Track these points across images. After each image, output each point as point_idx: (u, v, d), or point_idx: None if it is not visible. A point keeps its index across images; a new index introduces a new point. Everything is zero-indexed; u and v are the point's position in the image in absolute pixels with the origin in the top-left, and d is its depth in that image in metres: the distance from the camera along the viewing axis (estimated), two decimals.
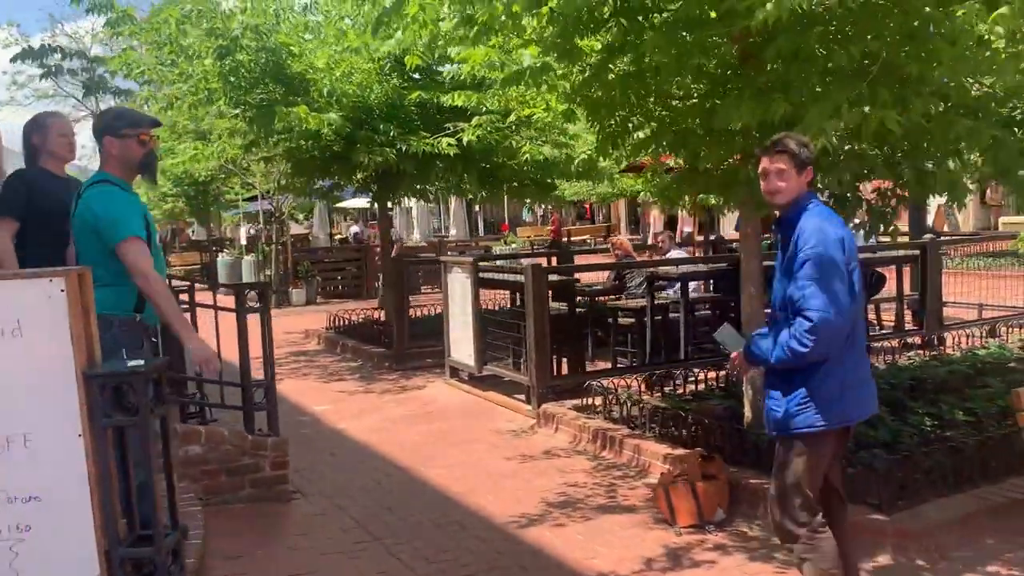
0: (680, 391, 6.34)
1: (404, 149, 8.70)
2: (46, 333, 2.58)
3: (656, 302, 7.56)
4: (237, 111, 8.23)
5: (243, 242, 18.63)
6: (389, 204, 11.14)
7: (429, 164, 9.31)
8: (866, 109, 3.63)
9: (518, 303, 7.52)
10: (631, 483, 5.00)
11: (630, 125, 5.26)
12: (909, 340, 8.34)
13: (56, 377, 2.59)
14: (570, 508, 4.62)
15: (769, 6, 3.32)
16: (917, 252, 8.31)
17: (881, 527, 3.84)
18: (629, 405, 5.97)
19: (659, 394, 6.36)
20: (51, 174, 3.94)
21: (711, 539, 4.11)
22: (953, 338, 8.18)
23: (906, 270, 8.63)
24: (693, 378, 6.45)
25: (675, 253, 9.04)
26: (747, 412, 5.24)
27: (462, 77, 5.85)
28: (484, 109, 7.48)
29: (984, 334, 8.28)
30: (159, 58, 8.51)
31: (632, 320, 7.79)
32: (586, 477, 5.14)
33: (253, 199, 18.65)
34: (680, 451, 5.02)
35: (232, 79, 8.07)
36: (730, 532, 4.18)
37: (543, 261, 9.92)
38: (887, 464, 4.15)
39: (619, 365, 7.45)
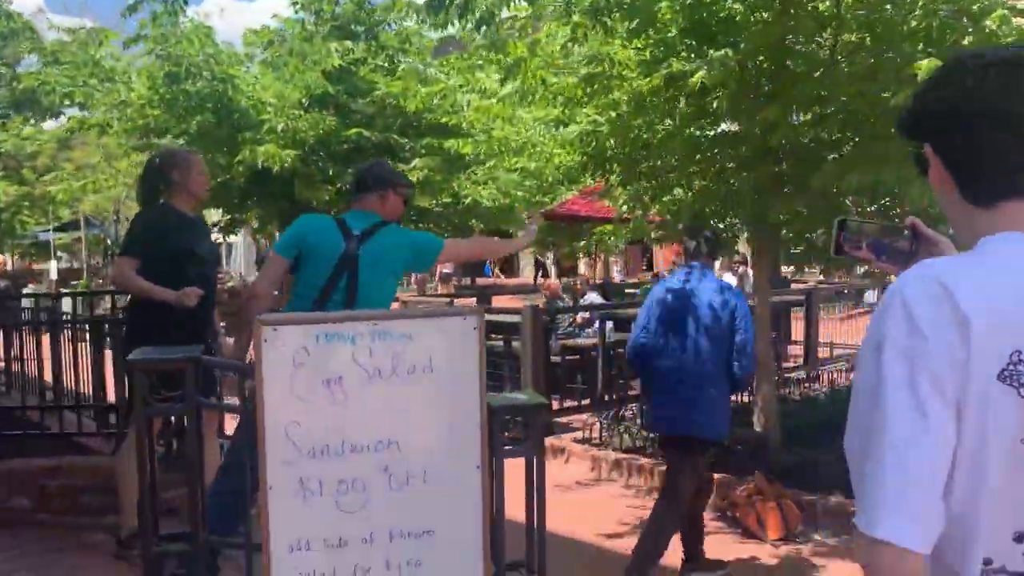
0: None
1: (340, 187, 8.70)
2: (457, 369, 2.62)
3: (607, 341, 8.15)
4: (181, 140, 7.80)
5: (53, 276, 16.76)
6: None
7: None
8: None
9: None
10: None
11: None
12: (798, 374, 9.62)
13: (462, 412, 2.63)
14: None
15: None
16: (803, 297, 9.64)
17: None
18: (634, 434, 6.49)
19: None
20: (183, 212, 3.80)
21: (804, 549, 4.71)
22: (825, 373, 9.58)
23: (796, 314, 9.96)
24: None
25: (591, 296, 9.70)
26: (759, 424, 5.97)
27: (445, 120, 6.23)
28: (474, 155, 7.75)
29: (847, 368, 9.77)
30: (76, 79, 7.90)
31: (577, 357, 8.34)
32: (636, 500, 5.56)
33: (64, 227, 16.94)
34: (716, 474, 5.61)
35: (174, 107, 7.69)
36: (815, 543, 4.81)
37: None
38: None
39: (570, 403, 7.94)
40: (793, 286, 12.66)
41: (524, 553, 2.84)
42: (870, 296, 16.34)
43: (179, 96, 7.49)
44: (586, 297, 9.73)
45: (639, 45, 4.96)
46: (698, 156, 5.37)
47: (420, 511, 2.62)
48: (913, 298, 1.04)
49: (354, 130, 8.71)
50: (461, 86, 6.25)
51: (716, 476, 5.63)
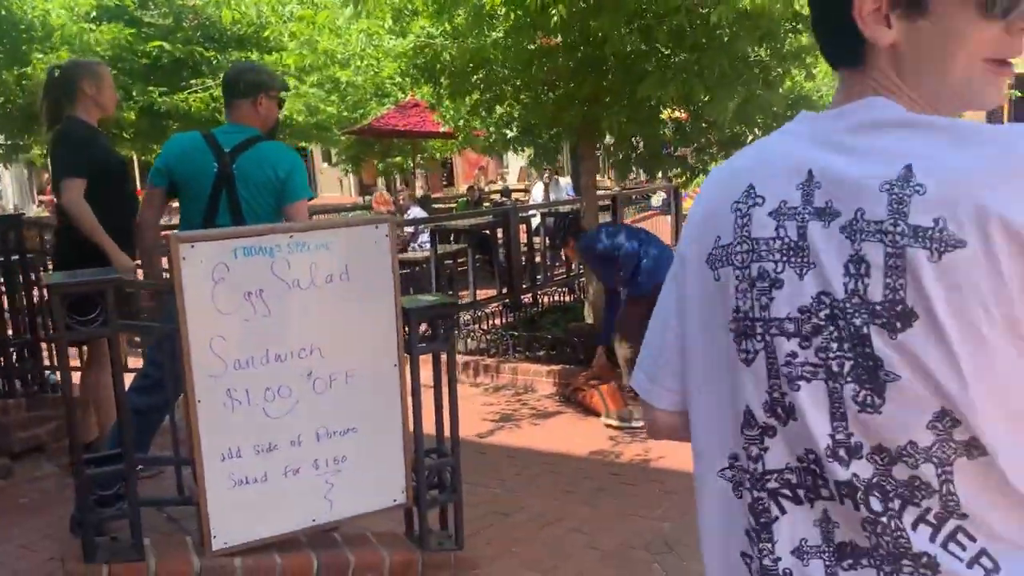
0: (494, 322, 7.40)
1: (142, 104, 8.19)
2: (372, 275, 2.74)
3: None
4: None
5: None
6: None
7: (162, 123, 8.82)
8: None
9: None
10: (533, 396, 5.94)
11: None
12: None
13: (379, 315, 2.77)
14: (510, 421, 5.44)
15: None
16: (609, 202, 10.30)
17: None
18: (478, 336, 6.85)
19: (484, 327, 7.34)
20: (95, 127, 3.58)
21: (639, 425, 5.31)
22: None
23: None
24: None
25: (414, 211, 9.85)
26: (589, 317, 6.53)
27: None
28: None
29: None
30: None
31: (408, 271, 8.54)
32: (489, 398, 5.95)
33: None
34: (556, 366, 6.12)
35: None
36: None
37: None
38: None
39: None
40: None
41: (436, 443, 3.09)
42: (656, 200, 17.61)
43: None
44: (410, 212, 9.85)
45: None
46: (533, 68, 5.61)
47: (344, 411, 2.79)
48: None
49: (154, 43, 8.12)
50: None
51: (555, 367, 6.15)
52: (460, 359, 6.55)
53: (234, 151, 3.34)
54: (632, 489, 4.21)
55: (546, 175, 12.18)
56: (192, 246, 2.49)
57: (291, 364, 2.67)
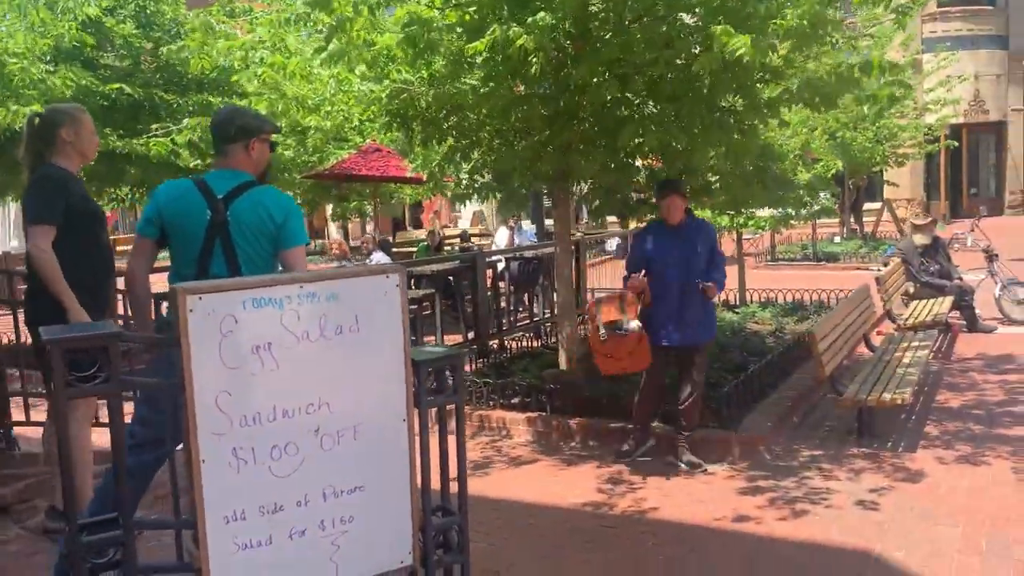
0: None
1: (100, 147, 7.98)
2: (381, 326, 2.65)
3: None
4: None
5: None
6: None
7: (120, 167, 8.62)
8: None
9: None
10: (510, 443, 5.84)
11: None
12: None
13: (388, 367, 2.67)
14: (490, 470, 5.33)
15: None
16: (573, 247, 10.34)
17: (736, 438, 5.40)
18: None
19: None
20: (72, 175, 3.45)
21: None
22: None
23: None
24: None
25: (377, 256, 9.75)
26: (564, 363, 6.47)
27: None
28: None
29: None
30: None
31: None
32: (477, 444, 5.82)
33: None
34: (532, 413, 6.05)
35: None
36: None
37: None
38: (726, 393, 5.76)
39: None
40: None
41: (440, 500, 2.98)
42: (610, 244, 17.83)
43: None
44: (373, 256, 9.75)
45: (460, 2, 5.08)
46: (512, 116, 5.62)
47: (351, 468, 2.68)
48: None
49: (113, 86, 7.96)
50: (262, 42, 5.99)
51: (532, 414, 6.08)
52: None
53: (228, 197, 3.23)
54: (620, 541, 4.13)
55: (512, 220, 12.22)
56: (200, 297, 2.38)
57: (299, 420, 2.56)
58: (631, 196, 6.49)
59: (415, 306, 9.01)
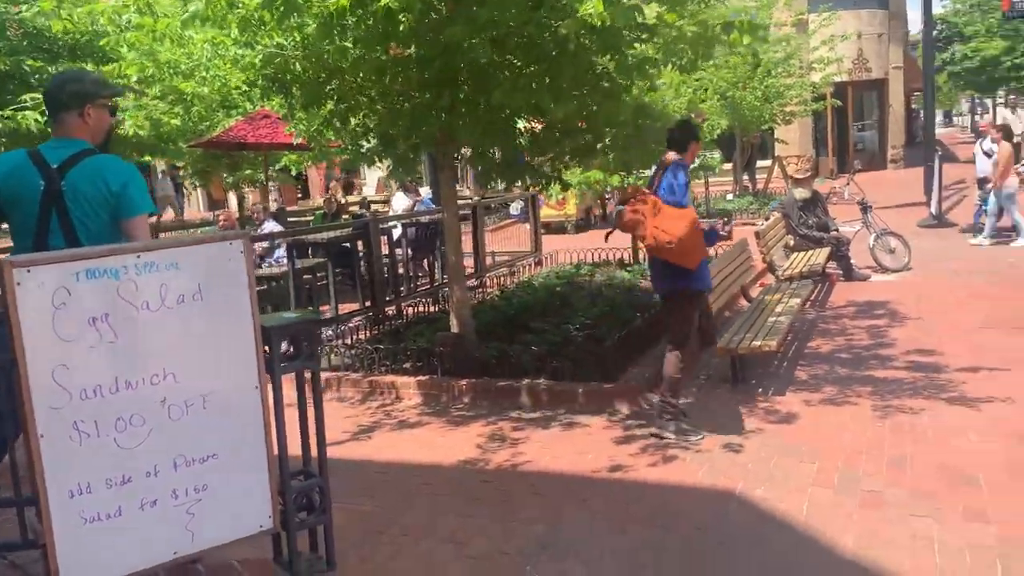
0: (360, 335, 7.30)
1: None
2: (227, 294, 2.63)
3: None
4: None
5: None
6: None
7: None
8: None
9: None
10: (400, 408, 5.89)
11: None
12: (471, 282, 10.41)
13: (236, 335, 2.66)
14: (379, 435, 5.37)
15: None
16: (469, 212, 10.38)
17: (617, 389, 5.59)
18: (341, 352, 6.74)
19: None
20: None
21: (505, 425, 5.38)
22: (493, 279, 10.53)
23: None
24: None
25: (269, 225, 9.58)
26: (455, 327, 6.53)
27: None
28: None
29: (508, 272, 10.83)
30: None
31: (264, 287, 8.28)
32: (356, 413, 5.85)
33: None
34: (423, 377, 6.11)
35: None
36: (512, 419, 5.50)
37: None
38: (605, 350, 5.93)
39: None
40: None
41: (302, 464, 3.01)
42: (514, 208, 17.92)
43: None
44: (264, 226, 9.56)
45: None
46: (387, 78, 5.58)
47: (203, 437, 2.67)
48: None
49: None
50: (127, 5, 5.74)
51: (423, 377, 6.14)
52: (324, 375, 6.42)
53: (62, 167, 3.12)
54: (503, 495, 4.25)
55: (409, 185, 12.12)
56: (28, 271, 2.32)
57: (143, 391, 2.53)
58: (516, 159, 6.54)
59: (309, 275, 8.92)
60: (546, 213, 15.93)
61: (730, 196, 17.70)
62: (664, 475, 4.37)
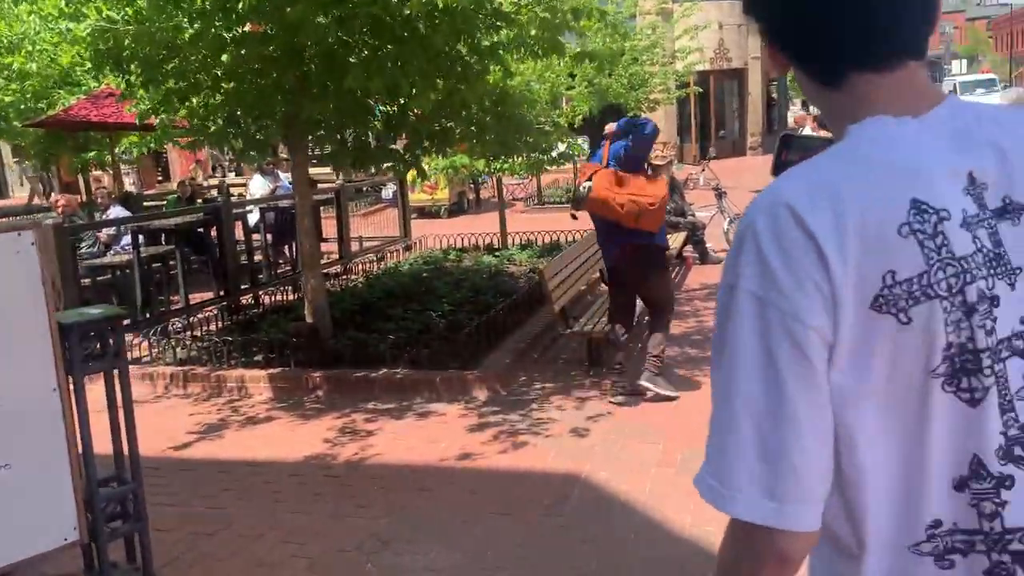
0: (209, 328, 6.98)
1: None
2: (15, 289, 2.40)
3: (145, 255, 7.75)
4: None
5: None
6: None
7: None
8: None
9: None
10: (249, 402, 5.66)
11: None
12: (335, 268, 10.16)
13: (28, 334, 2.43)
14: (223, 431, 5.15)
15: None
16: (332, 196, 10.11)
17: (474, 377, 5.57)
18: (188, 345, 6.42)
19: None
20: None
21: (358, 416, 5.27)
22: (360, 265, 10.33)
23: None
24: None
25: (115, 211, 9.04)
26: (309, 316, 6.34)
27: None
28: None
29: (376, 258, 10.65)
30: None
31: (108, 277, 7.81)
32: (200, 409, 5.59)
33: None
34: (274, 370, 5.90)
35: None
36: (367, 410, 5.40)
37: None
38: (464, 337, 5.89)
39: None
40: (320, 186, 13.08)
41: (114, 469, 2.82)
42: (387, 192, 17.64)
43: None
44: (110, 211, 9.00)
45: None
46: (225, 56, 5.31)
47: None
48: (763, 231, 0.84)
49: None
50: None
51: (274, 370, 5.93)
52: (168, 370, 6.11)
53: None
54: (348, 490, 4.15)
55: (268, 167, 11.66)
56: None
57: None
58: (368, 142, 6.39)
59: (159, 264, 8.47)
60: (418, 198, 15.77)
61: None
62: (514, 461, 4.38)
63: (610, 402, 5.15)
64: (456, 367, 5.74)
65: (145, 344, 6.66)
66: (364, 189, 16.68)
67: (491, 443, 4.64)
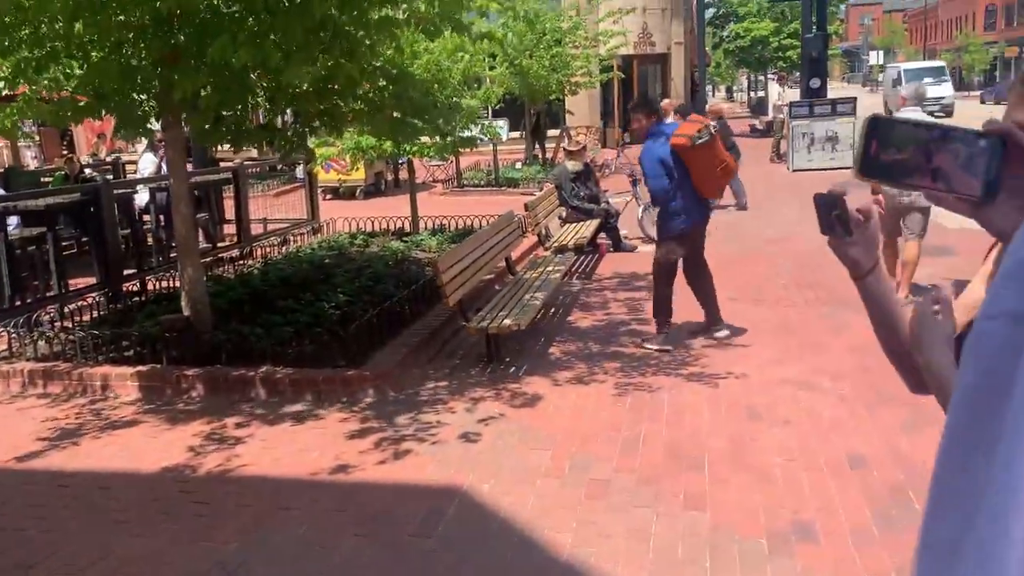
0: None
1: None
2: None
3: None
4: None
5: None
6: None
7: None
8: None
9: None
10: (112, 404, 5.18)
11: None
12: (231, 253, 9.62)
13: None
14: (76, 438, 4.67)
15: None
16: (230, 175, 9.55)
17: (361, 376, 5.20)
18: (52, 339, 5.88)
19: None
20: None
21: (229, 421, 4.85)
22: (261, 249, 9.81)
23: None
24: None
25: None
26: (186, 308, 5.86)
27: None
28: None
29: (279, 242, 10.14)
30: None
31: None
32: (56, 412, 5.08)
33: None
34: (144, 367, 5.43)
35: None
36: (244, 413, 4.98)
37: None
38: (355, 331, 5.51)
39: None
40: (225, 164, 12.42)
41: None
42: (300, 172, 17.00)
43: None
44: None
45: None
46: (78, 25, 4.77)
47: None
48: None
49: None
50: None
51: (143, 368, 5.44)
52: (26, 367, 5.57)
53: None
54: (201, 508, 3.74)
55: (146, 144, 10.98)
56: None
57: None
58: (245, 119, 5.90)
59: (33, 247, 7.81)
60: (330, 178, 15.21)
61: (519, 164, 17.72)
62: (391, 473, 4.04)
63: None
64: (343, 365, 5.36)
65: (4, 337, 6.07)
66: (279, 168, 16.01)
67: (369, 452, 4.29)
